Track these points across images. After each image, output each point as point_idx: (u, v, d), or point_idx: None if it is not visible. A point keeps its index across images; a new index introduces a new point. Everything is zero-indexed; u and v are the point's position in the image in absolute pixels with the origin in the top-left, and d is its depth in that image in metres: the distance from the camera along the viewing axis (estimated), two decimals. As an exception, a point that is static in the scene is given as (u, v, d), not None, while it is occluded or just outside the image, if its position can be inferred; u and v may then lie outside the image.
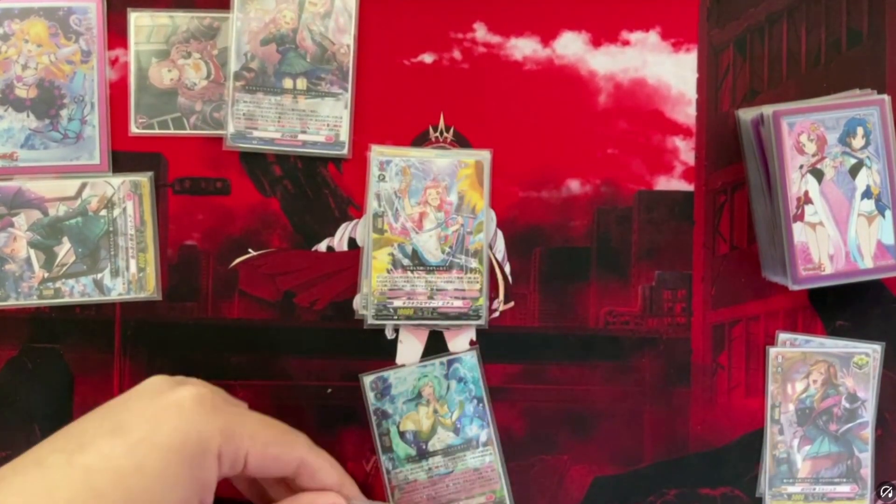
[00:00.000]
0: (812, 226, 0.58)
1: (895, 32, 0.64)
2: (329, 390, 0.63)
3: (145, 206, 0.63)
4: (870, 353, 0.64)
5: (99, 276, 0.62)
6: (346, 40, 0.62)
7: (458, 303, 0.62)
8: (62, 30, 0.62)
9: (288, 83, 0.62)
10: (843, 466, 0.64)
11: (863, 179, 0.58)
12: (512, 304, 0.64)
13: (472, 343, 0.63)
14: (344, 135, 0.62)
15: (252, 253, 0.63)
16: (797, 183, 0.58)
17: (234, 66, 0.61)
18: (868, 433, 0.64)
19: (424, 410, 0.63)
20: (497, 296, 0.64)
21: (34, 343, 0.63)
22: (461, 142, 0.63)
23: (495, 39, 0.63)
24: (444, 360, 0.63)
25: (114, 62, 0.62)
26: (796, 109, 0.58)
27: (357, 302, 0.63)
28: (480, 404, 0.63)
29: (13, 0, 0.61)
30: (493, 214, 0.63)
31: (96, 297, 0.62)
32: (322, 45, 0.62)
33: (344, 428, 0.63)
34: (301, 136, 0.62)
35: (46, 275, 0.62)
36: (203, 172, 0.63)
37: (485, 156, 0.63)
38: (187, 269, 0.63)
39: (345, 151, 0.62)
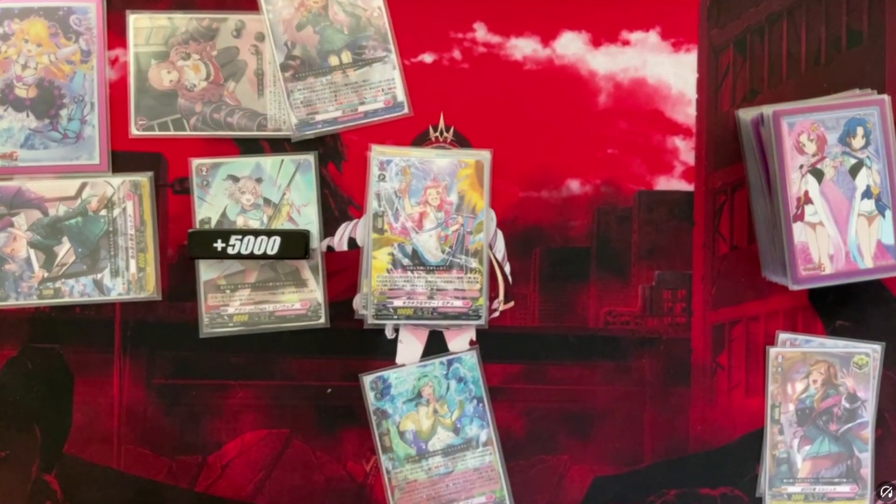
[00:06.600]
0: (812, 226, 0.58)
1: (895, 32, 0.64)
2: (329, 390, 0.63)
3: (145, 206, 0.62)
4: (870, 353, 0.64)
5: (99, 276, 0.62)
6: (376, 2, 0.62)
7: (458, 303, 0.62)
8: (62, 30, 0.62)
9: (334, 60, 0.62)
10: (843, 466, 0.64)
11: (863, 179, 0.58)
12: (512, 303, 0.64)
13: (472, 343, 0.63)
14: (401, 94, 0.62)
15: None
16: (797, 183, 0.58)
17: (278, 58, 0.61)
18: (868, 433, 0.64)
19: (424, 410, 0.63)
20: (497, 296, 0.64)
21: (34, 343, 0.63)
22: (461, 142, 0.63)
23: (495, 39, 0.63)
24: (444, 360, 0.63)
25: (114, 62, 0.62)
26: (796, 109, 0.58)
27: (357, 302, 0.63)
28: (480, 404, 0.63)
29: (13, 0, 0.61)
30: (493, 214, 0.63)
31: (96, 297, 0.62)
32: (355, 15, 0.62)
33: (344, 428, 0.63)
34: (361, 108, 0.62)
35: (46, 275, 0.62)
36: (203, 172, 0.63)
37: (485, 156, 0.63)
38: (187, 269, 0.63)
39: (406, 111, 0.62)
